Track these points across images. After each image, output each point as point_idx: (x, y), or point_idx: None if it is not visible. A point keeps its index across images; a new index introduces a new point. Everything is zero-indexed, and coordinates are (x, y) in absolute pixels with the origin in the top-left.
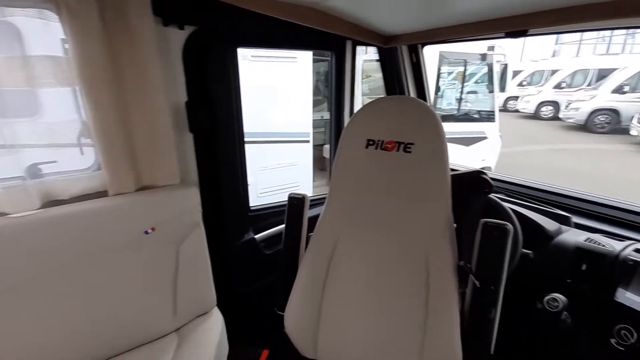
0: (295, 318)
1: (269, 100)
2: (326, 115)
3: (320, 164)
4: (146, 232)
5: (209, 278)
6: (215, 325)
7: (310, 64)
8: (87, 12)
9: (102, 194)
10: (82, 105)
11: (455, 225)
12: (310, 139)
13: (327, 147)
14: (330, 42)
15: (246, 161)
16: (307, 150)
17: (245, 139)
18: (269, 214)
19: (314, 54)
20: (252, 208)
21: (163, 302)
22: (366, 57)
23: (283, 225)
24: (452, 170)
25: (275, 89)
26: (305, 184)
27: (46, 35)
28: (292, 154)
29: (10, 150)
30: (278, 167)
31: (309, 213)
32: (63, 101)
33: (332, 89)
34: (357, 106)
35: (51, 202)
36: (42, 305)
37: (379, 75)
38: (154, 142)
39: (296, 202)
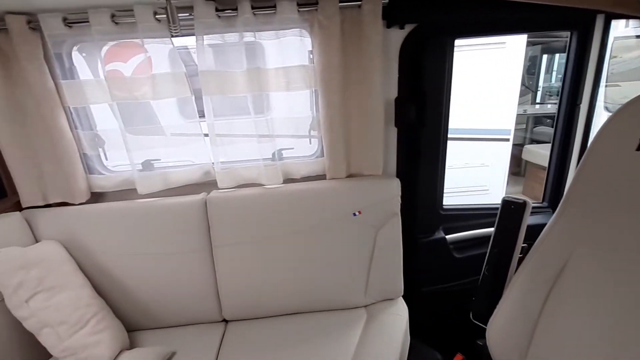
0: (500, 334)
1: (466, 92)
2: (530, 109)
3: (514, 168)
4: (354, 214)
5: (399, 267)
6: (402, 312)
7: (523, 49)
8: (332, 25)
9: (321, 177)
10: (314, 104)
11: None
12: (511, 137)
13: (529, 147)
14: (570, 20)
15: (446, 158)
16: (504, 151)
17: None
18: (462, 216)
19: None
20: (444, 207)
21: (358, 278)
22: (616, 33)
23: (480, 230)
24: None
25: (475, 79)
26: (495, 189)
27: (302, 48)
28: (485, 153)
29: (270, 138)
30: (466, 167)
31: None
32: (303, 101)
33: (567, 76)
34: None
35: (287, 180)
36: (274, 254)
37: (629, 55)
38: (366, 135)
39: (513, 207)
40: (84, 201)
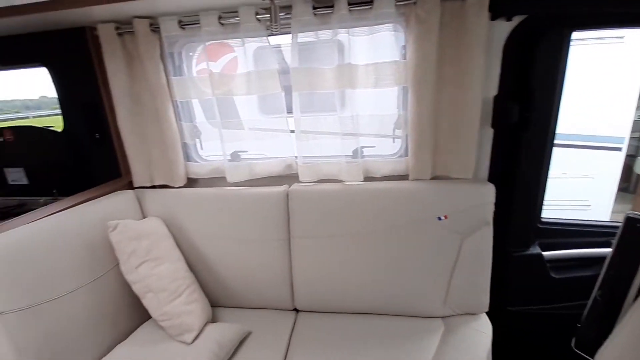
0: None
1: (571, 92)
2: None
3: (621, 182)
4: (439, 218)
5: (486, 280)
6: (485, 329)
7: None
8: (431, 18)
9: (402, 177)
10: (402, 102)
11: None
12: (624, 146)
13: None
14: None
15: (550, 165)
16: (614, 162)
17: None
18: (563, 232)
19: None
20: (543, 220)
21: (437, 286)
22: None
23: (587, 250)
24: None
25: (584, 78)
26: (598, 206)
27: (394, 44)
28: (589, 163)
29: (353, 135)
30: (564, 178)
31: None
32: (389, 98)
33: None
34: None
35: (367, 178)
36: (349, 251)
37: None
38: (457, 135)
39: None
40: (181, 185)
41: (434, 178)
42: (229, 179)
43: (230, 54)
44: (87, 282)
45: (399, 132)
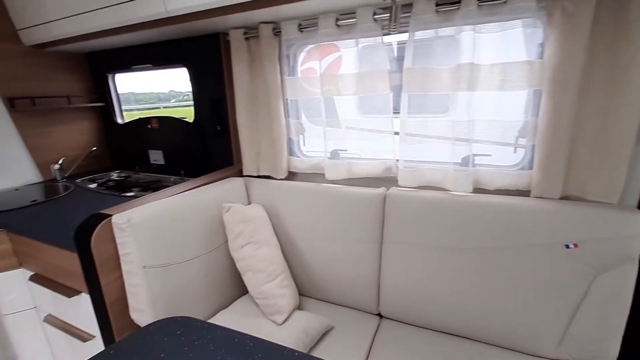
0: None
1: None
2: None
3: None
4: (567, 246)
5: (620, 328)
6: None
7: None
8: (582, 12)
9: (521, 193)
10: (531, 107)
11: None
12: None
13: None
14: None
15: None
16: None
17: None
18: None
19: None
20: None
21: (553, 322)
22: None
23: None
24: None
25: None
26: None
27: (528, 41)
28: None
29: (465, 141)
30: None
31: None
32: (516, 102)
33: None
34: None
35: (476, 189)
36: (447, 266)
37: None
38: (602, 150)
39: None
40: (283, 177)
41: (563, 198)
42: (328, 176)
43: (335, 54)
44: (204, 253)
45: (522, 141)
